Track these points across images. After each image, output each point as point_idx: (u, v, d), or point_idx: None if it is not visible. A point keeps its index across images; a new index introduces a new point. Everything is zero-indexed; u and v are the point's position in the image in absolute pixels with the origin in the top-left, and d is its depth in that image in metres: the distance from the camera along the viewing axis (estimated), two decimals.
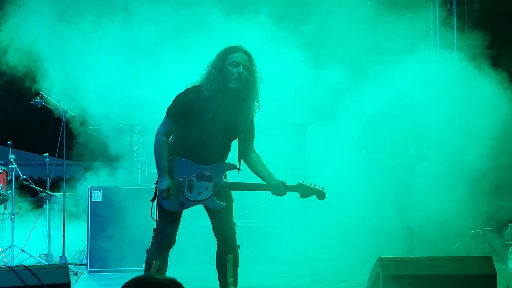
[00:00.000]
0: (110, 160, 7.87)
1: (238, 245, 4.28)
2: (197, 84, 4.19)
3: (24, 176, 6.87)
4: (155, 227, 4.23)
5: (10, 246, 6.42)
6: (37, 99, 6.48)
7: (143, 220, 4.49)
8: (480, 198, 7.20)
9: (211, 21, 6.91)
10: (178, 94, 4.19)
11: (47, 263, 6.16)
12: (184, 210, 4.25)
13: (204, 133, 4.12)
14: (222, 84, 4.06)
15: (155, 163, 4.32)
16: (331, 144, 7.09)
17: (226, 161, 4.24)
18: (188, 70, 5.80)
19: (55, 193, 7.40)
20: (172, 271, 3.77)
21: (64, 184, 6.68)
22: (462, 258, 4.56)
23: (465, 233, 7.10)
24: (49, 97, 6.61)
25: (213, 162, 4.17)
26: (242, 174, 4.33)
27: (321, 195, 4.21)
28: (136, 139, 7.24)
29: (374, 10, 7.09)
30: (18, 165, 6.69)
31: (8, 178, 6.55)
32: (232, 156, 4.36)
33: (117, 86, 6.99)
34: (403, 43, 6.95)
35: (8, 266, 3.88)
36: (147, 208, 4.22)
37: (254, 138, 4.32)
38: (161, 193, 4.09)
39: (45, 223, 6.84)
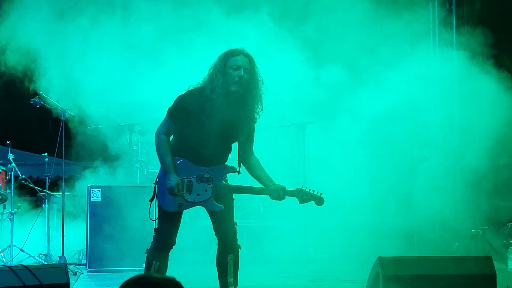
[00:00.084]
0: (109, 159, 7.87)
1: (239, 245, 4.29)
2: (199, 86, 4.19)
3: (23, 176, 6.87)
4: (155, 227, 4.23)
5: (9, 246, 6.41)
6: (36, 99, 6.48)
7: (143, 220, 4.47)
8: (480, 198, 7.20)
9: (211, 20, 6.91)
10: (179, 96, 4.19)
11: (46, 263, 6.15)
12: (184, 210, 4.24)
13: (204, 135, 4.12)
14: (223, 87, 4.07)
15: (154, 163, 4.32)
16: (331, 144, 7.09)
17: (226, 164, 4.24)
18: (187, 69, 5.81)
19: (54, 193, 7.40)
20: (172, 271, 3.76)
21: (63, 183, 6.67)
22: (461, 258, 4.55)
23: (465, 233, 7.10)
24: (48, 97, 6.60)
25: (213, 164, 4.17)
26: (242, 177, 4.32)
27: (319, 201, 4.22)
28: (135, 138, 7.23)
29: (374, 10, 7.09)
30: (17, 164, 6.68)
31: (7, 177, 6.55)
32: (231, 157, 4.36)
33: (116, 85, 6.98)
34: (402, 43, 6.95)
35: (7, 266, 3.87)
36: (146, 207, 4.21)
37: (253, 141, 4.32)
38: (171, 190, 4.08)
39: (44, 223, 6.84)
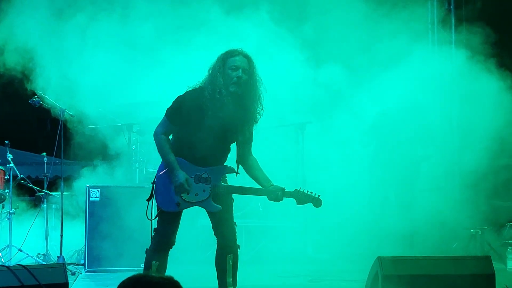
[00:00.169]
0: (108, 159, 7.86)
1: (238, 245, 4.28)
2: (198, 86, 4.18)
3: (22, 176, 6.85)
4: (155, 227, 4.22)
5: (8, 246, 6.40)
6: (35, 98, 6.47)
7: (141, 220, 4.47)
8: (479, 198, 7.20)
9: (210, 19, 6.90)
10: (178, 96, 4.19)
11: (44, 263, 6.14)
12: (183, 210, 4.24)
13: (203, 135, 4.11)
14: (222, 87, 4.06)
15: (153, 163, 4.32)
16: (330, 143, 7.09)
17: (225, 164, 4.24)
18: (187, 68, 5.80)
19: (53, 193, 7.38)
20: (171, 271, 3.76)
21: (62, 183, 6.66)
22: (460, 258, 4.55)
23: (464, 233, 7.10)
24: (46, 97, 6.59)
25: (212, 164, 4.17)
26: (241, 178, 4.32)
27: (317, 202, 4.22)
28: (134, 138, 7.23)
29: (373, 10, 7.09)
30: (15, 164, 6.67)
31: (6, 177, 6.54)
32: (230, 158, 4.35)
33: (115, 85, 6.98)
34: (401, 43, 6.94)
35: (5, 266, 3.86)
36: (145, 207, 4.20)
37: (252, 142, 4.32)
38: (181, 187, 4.07)
39: (43, 223, 6.82)
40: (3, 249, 6.41)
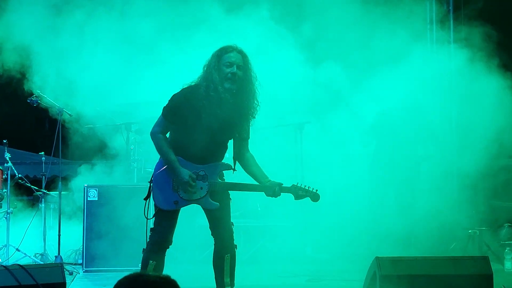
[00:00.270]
0: (106, 158, 7.85)
1: (236, 245, 4.28)
2: (193, 84, 4.18)
3: (20, 175, 6.84)
4: (152, 226, 4.22)
5: (5, 245, 6.39)
6: (33, 98, 6.46)
7: (139, 219, 4.46)
8: (477, 199, 7.20)
9: (210, 17, 6.88)
10: (174, 94, 4.20)
11: (42, 263, 6.13)
12: (181, 210, 4.23)
13: (200, 133, 4.11)
14: (217, 84, 4.06)
15: (151, 162, 4.32)
16: (328, 143, 7.08)
17: (221, 161, 4.23)
18: (186, 67, 5.78)
19: (51, 192, 7.37)
20: (169, 270, 3.75)
21: (60, 183, 6.65)
22: (458, 258, 4.56)
23: (462, 233, 7.10)
24: (45, 96, 6.58)
25: (209, 162, 4.17)
26: (238, 175, 4.32)
27: (315, 197, 4.22)
28: (132, 137, 7.22)
29: (371, 10, 7.09)
30: (13, 163, 6.66)
31: (4, 176, 6.52)
32: (227, 155, 4.35)
33: (113, 84, 6.96)
34: (400, 42, 6.94)
35: (3, 266, 3.85)
36: (143, 207, 4.21)
37: (249, 139, 4.31)
38: (187, 184, 4.06)
39: (41, 222, 6.81)
40: (1, 248, 6.39)
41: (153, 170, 4.28)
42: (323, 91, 7.14)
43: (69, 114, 6.81)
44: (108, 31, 6.96)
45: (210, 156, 4.18)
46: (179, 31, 6.84)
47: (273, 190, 4.14)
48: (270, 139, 6.98)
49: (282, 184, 4.18)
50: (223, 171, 4.25)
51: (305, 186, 4.22)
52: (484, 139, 6.92)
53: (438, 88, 7.37)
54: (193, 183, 4.08)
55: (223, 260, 4.22)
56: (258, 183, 4.22)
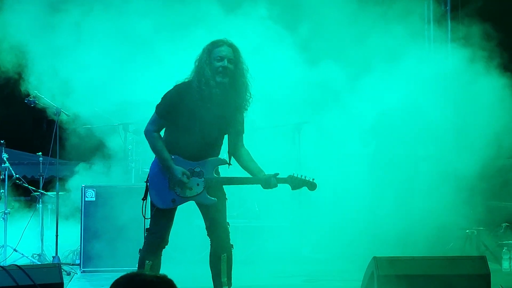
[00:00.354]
0: (104, 159, 7.84)
1: (232, 245, 4.28)
2: (186, 80, 4.19)
3: (17, 175, 6.83)
4: (147, 227, 4.22)
5: (3, 246, 6.38)
6: (31, 98, 6.46)
7: (137, 220, 4.47)
8: (475, 199, 7.20)
9: (207, 16, 6.87)
10: (167, 92, 4.20)
11: (39, 263, 6.12)
12: (178, 210, 4.23)
13: (194, 129, 4.12)
14: (209, 78, 4.07)
15: (149, 162, 4.31)
16: (326, 143, 7.08)
17: (216, 157, 4.22)
18: (184, 67, 5.76)
19: (48, 193, 7.36)
20: (166, 270, 3.74)
21: (57, 183, 6.65)
22: (456, 258, 4.56)
23: (460, 233, 7.11)
24: (42, 96, 6.57)
25: (204, 158, 4.16)
26: (234, 171, 4.31)
27: (312, 186, 4.21)
28: (130, 138, 7.21)
29: (369, 10, 7.09)
30: (11, 164, 6.65)
31: (1, 177, 6.52)
32: (223, 150, 4.35)
33: (111, 84, 6.95)
34: (398, 42, 6.94)
35: (0, 266, 3.84)
36: (140, 207, 4.20)
37: (243, 133, 4.32)
38: (181, 181, 4.07)
39: (38, 223, 6.80)
40: None
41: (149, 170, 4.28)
42: (321, 91, 7.14)
43: (67, 115, 6.80)
44: (105, 30, 6.94)
45: (205, 152, 4.17)
46: (176, 30, 6.83)
47: (269, 181, 4.13)
48: (268, 139, 6.98)
49: (278, 174, 4.17)
50: (219, 167, 4.24)
51: (301, 176, 4.22)
52: (481, 139, 6.92)
53: (436, 88, 7.37)
54: (187, 181, 4.08)
55: (220, 260, 4.22)
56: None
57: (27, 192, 7.66)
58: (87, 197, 6.30)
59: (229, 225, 4.28)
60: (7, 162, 6.54)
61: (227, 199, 4.29)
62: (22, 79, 7.13)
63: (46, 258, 6.50)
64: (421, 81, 6.97)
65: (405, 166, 6.57)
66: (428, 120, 7.12)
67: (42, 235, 6.63)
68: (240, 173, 4.32)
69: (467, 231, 7.05)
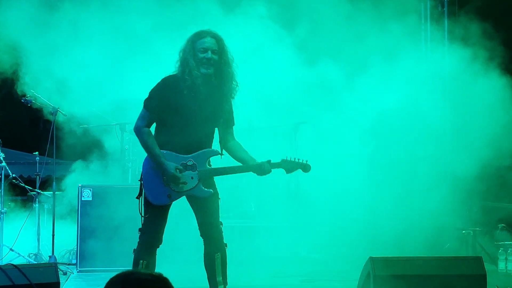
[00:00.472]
0: (100, 158, 7.83)
1: (226, 244, 4.27)
2: (173, 73, 4.19)
3: (14, 175, 6.82)
4: (140, 227, 4.22)
5: None
6: (27, 97, 6.44)
7: (133, 219, 4.46)
8: (471, 199, 7.21)
9: (206, 16, 6.85)
10: (154, 86, 4.20)
11: (36, 263, 6.11)
12: (175, 209, 4.23)
13: (184, 122, 4.13)
14: (193, 69, 4.08)
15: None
16: (323, 144, 7.08)
17: (208, 148, 4.22)
18: None
19: (45, 192, 7.35)
20: (162, 270, 3.73)
21: (54, 183, 6.63)
22: (452, 258, 4.57)
23: (456, 234, 7.12)
24: (39, 96, 6.56)
25: (196, 150, 4.16)
26: (227, 163, 4.31)
27: (305, 167, 4.22)
28: (127, 138, 7.21)
29: (367, 9, 7.10)
30: (7, 163, 6.64)
31: None
32: (214, 144, 4.36)
33: (108, 83, 6.94)
34: (395, 42, 6.95)
35: None
36: (137, 207, 4.20)
37: (233, 125, 4.33)
38: (174, 177, 4.06)
39: (35, 222, 6.79)
40: None
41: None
42: (318, 91, 7.14)
43: (64, 114, 6.79)
44: (102, 29, 6.93)
45: (196, 145, 4.17)
46: (175, 29, 6.82)
47: (263, 167, 4.13)
48: (266, 139, 6.98)
49: (271, 160, 4.17)
50: (211, 161, 4.23)
51: (295, 158, 4.23)
52: (480, 140, 6.93)
53: (434, 88, 7.38)
54: (180, 175, 4.07)
55: (214, 259, 4.21)
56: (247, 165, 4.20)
57: (23, 191, 7.65)
58: (83, 196, 6.29)
59: (222, 224, 4.27)
60: (3, 162, 6.53)
61: (220, 198, 4.29)
62: (19, 79, 7.12)
63: (43, 257, 6.49)
64: (419, 81, 6.98)
65: (403, 167, 6.59)
66: (427, 121, 7.13)
67: (38, 234, 6.62)
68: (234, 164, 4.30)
69: (463, 231, 7.07)
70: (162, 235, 4.21)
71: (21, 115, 10.10)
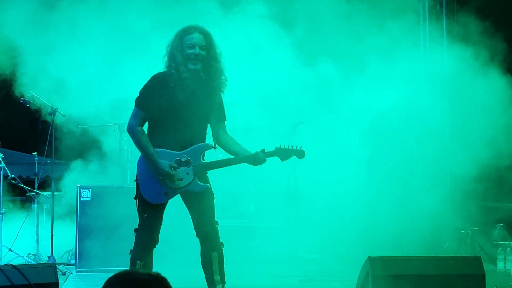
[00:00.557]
0: (99, 159, 7.83)
1: (222, 243, 4.27)
2: (162, 71, 4.20)
3: (12, 175, 6.81)
4: (136, 227, 4.22)
5: None
6: (26, 98, 6.44)
7: (132, 220, 4.46)
8: (470, 199, 7.22)
9: (205, 15, 6.85)
10: (145, 84, 4.20)
11: (35, 263, 6.11)
12: (173, 209, 4.23)
13: (176, 118, 4.13)
14: (181, 65, 4.09)
15: None
16: (321, 144, 7.08)
17: (201, 143, 4.22)
18: None
19: (44, 192, 7.35)
20: (160, 270, 3.73)
21: (52, 183, 6.63)
22: (451, 258, 4.57)
23: (455, 234, 7.12)
24: (38, 96, 6.55)
25: (189, 146, 4.17)
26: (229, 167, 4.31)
27: (300, 154, 4.23)
28: (126, 138, 7.20)
29: (366, 9, 7.10)
30: (6, 164, 6.63)
31: None
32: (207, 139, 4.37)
33: (107, 83, 6.94)
34: (394, 42, 6.95)
35: None
36: (135, 206, 4.20)
37: (225, 120, 4.34)
38: (169, 175, 4.06)
39: (33, 223, 6.79)
40: None
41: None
42: (316, 91, 7.14)
43: (62, 115, 6.79)
44: (100, 28, 6.92)
45: (189, 141, 4.18)
46: (173, 28, 6.80)
47: (257, 157, 4.14)
48: (264, 140, 6.96)
49: (265, 149, 4.17)
50: (205, 152, 4.24)
51: (289, 146, 4.23)
52: (478, 140, 6.93)
53: (433, 88, 7.38)
54: (174, 173, 4.07)
55: (211, 259, 4.22)
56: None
57: (22, 192, 7.64)
58: (82, 197, 6.29)
59: (217, 223, 4.27)
60: (2, 162, 6.52)
61: (214, 198, 4.29)
62: (17, 79, 7.11)
63: (42, 258, 6.48)
64: (418, 81, 6.98)
65: (402, 167, 6.59)
66: (426, 121, 7.13)
67: (37, 235, 6.61)
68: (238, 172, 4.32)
69: (462, 231, 7.07)
70: (158, 234, 4.21)
71: (20, 115, 10.10)
